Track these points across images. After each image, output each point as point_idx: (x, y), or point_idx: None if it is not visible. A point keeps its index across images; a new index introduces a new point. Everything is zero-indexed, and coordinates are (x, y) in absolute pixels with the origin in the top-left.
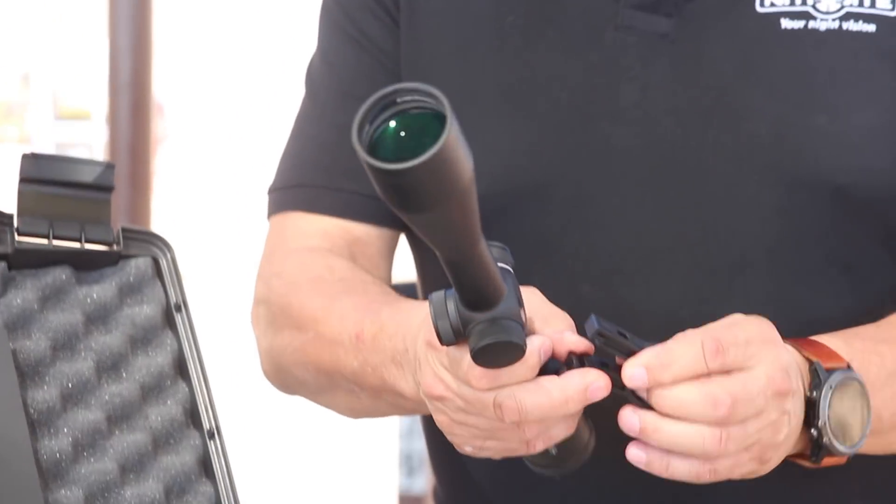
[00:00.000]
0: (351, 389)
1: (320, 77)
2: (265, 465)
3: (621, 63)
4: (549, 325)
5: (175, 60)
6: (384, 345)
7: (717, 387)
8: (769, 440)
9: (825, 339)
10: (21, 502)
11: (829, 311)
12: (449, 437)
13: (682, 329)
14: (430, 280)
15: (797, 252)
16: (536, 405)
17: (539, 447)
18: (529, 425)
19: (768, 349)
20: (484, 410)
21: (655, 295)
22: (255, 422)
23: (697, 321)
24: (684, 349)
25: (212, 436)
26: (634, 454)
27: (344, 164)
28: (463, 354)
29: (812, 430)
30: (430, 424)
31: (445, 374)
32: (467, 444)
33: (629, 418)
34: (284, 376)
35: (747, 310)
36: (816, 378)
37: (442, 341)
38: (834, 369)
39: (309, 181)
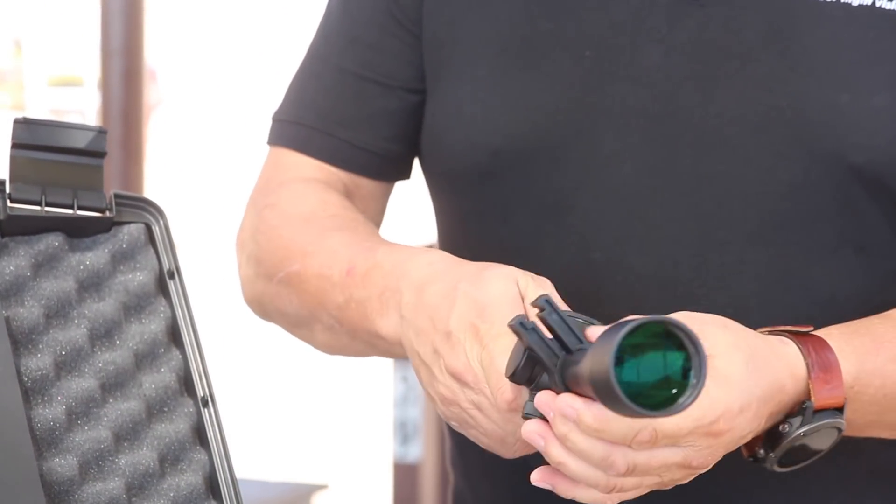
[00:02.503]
0: (331, 325)
1: (335, 16)
2: (259, 433)
3: (648, 23)
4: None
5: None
6: (375, 281)
7: (619, 455)
8: (679, 476)
9: (836, 340)
10: (15, 470)
11: (840, 290)
12: (439, 409)
13: (691, 301)
14: (451, 241)
15: (810, 229)
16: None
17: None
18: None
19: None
20: (495, 418)
21: (665, 264)
22: (248, 389)
23: (707, 293)
24: (620, 426)
25: (205, 403)
26: (540, 480)
27: (341, 110)
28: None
29: (758, 450)
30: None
31: (479, 369)
32: (455, 422)
33: (534, 438)
34: (266, 306)
35: (758, 285)
36: (800, 415)
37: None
38: (824, 409)
39: (306, 121)
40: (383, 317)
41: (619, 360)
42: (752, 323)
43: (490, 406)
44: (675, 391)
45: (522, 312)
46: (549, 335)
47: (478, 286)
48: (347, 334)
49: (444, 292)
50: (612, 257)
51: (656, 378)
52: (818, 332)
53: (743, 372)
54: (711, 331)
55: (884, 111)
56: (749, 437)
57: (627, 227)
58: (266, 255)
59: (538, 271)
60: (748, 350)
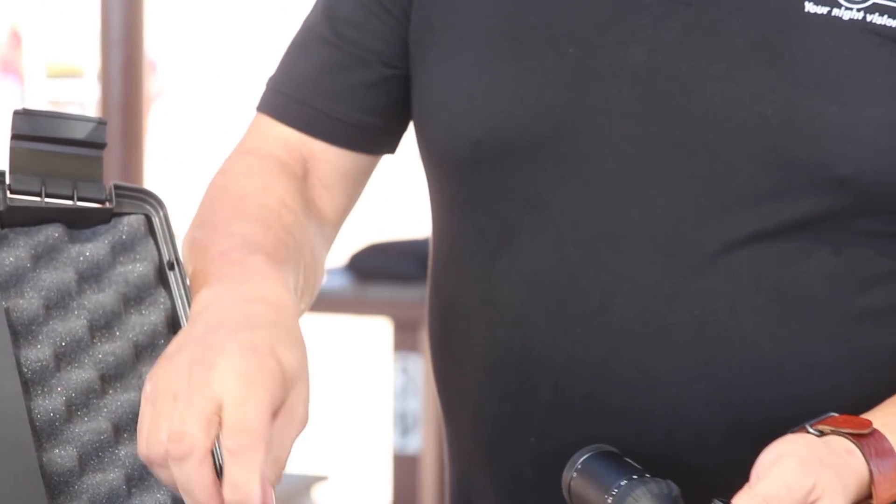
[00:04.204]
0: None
1: None
2: None
3: (635, 22)
4: None
5: (168, 17)
6: (226, 270)
7: None
8: None
9: (893, 433)
10: (15, 462)
11: (816, 293)
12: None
13: (662, 300)
14: (440, 226)
15: (789, 235)
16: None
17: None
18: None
19: None
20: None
21: (640, 264)
22: None
23: (678, 292)
24: None
25: None
26: None
27: (319, 80)
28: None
29: None
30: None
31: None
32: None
33: None
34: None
35: (731, 287)
36: None
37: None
38: None
39: (284, 89)
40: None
41: None
42: (722, 329)
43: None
44: None
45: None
46: None
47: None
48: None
49: (181, 355)
50: (585, 253)
51: None
52: (877, 427)
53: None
54: (818, 475)
55: (873, 123)
56: None
57: (603, 223)
58: (199, 211)
59: (515, 262)
60: (842, 490)
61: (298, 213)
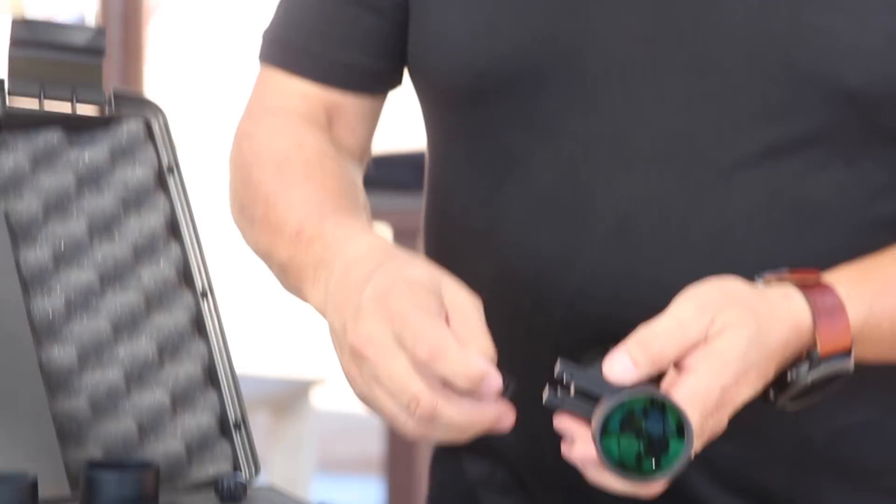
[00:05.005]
0: (278, 274)
1: None
2: (257, 329)
3: None
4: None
5: None
6: (315, 250)
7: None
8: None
9: (843, 286)
10: (14, 360)
11: (830, 204)
12: (352, 389)
13: (679, 226)
14: (440, 153)
15: (801, 149)
16: (448, 416)
17: (417, 434)
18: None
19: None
20: (398, 392)
21: (652, 183)
22: (247, 284)
23: (695, 215)
24: None
25: (204, 295)
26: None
27: (328, 29)
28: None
29: (769, 394)
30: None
31: (385, 342)
32: (357, 389)
33: (566, 432)
34: (240, 228)
35: (747, 203)
36: (807, 362)
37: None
38: (832, 356)
39: (293, 40)
40: (313, 287)
41: (605, 429)
42: (739, 244)
43: (389, 380)
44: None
45: (440, 299)
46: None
47: (402, 268)
48: (292, 288)
49: (366, 272)
50: (598, 176)
51: (633, 455)
52: (826, 279)
53: (742, 350)
54: (717, 311)
55: (881, 33)
56: (754, 396)
57: (615, 146)
58: (240, 188)
59: (524, 187)
60: (753, 324)
61: (336, 157)
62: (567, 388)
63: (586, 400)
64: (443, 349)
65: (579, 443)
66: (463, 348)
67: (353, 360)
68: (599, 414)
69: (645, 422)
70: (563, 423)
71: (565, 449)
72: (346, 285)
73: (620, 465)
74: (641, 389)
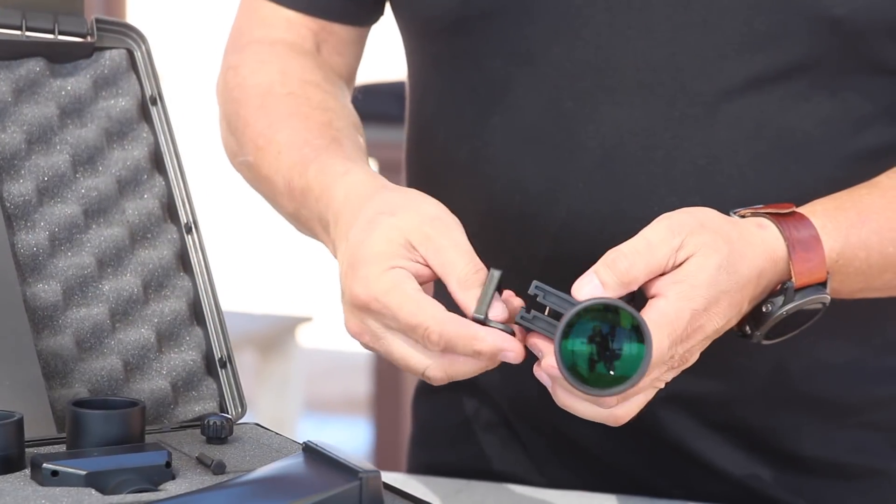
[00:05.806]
0: (292, 224)
1: None
2: (243, 265)
3: None
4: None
5: None
6: (311, 205)
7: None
8: (668, 378)
9: (819, 217)
10: None
11: (814, 135)
12: (348, 328)
13: (665, 157)
14: (422, 84)
15: (786, 80)
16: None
17: (432, 375)
18: (441, 357)
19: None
20: (410, 329)
21: (637, 114)
22: (232, 220)
23: (680, 143)
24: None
25: (189, 230)
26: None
27: None
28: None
29: (745, 328)
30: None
31: (386, 295)
32: (365, 340)
33: (535, 349)
34: (238, 172)
35: (732, 134)
36: (782, 294)
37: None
38: (807, 286)
39: None
40: (328, 242)
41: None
42: (724, 176)
43: (404, 328)
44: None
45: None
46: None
47: (397, 215)
48: (307, 233)
49: (344, 230)
50: (583, 107)
51: (587, 359)
52: (801, 210)
53: (712, 274)
54: (688, 234)
55: None
56: (728, 326)
57: (599, 76)
58: (231, 129)
59: (509, 118)
60: (724, 249)
61: (322, 83)
62: (542, 309)
63: (557, 320)
64: (452, 340)
65: (547, 359)
66: (467, 325)
67: (356, 315)
68: (560, 324)
69: (607, 335)
70: (535, 341)
71: (536, 367)
72: (347, 243)
73: (574, 370)
74: (600, 299)
